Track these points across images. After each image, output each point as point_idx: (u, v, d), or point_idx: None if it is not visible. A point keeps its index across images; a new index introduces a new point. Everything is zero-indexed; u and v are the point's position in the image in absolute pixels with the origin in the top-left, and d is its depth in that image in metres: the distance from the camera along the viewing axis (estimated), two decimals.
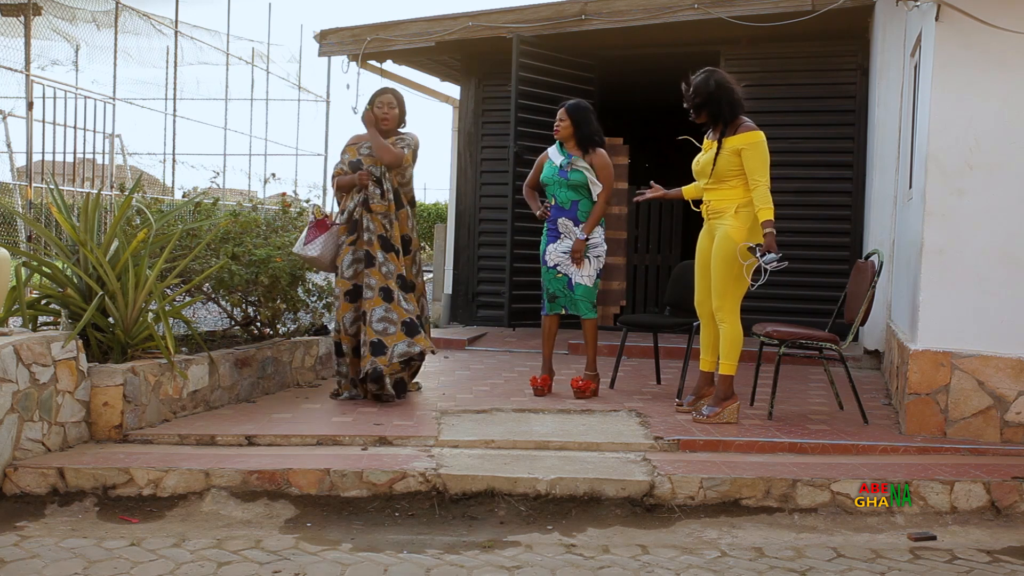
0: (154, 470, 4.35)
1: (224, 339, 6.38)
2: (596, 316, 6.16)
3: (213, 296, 6.30)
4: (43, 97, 11.04)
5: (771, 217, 5.15)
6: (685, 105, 5.41)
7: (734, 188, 5.27)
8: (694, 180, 5.63)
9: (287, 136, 20.08)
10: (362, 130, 6.00)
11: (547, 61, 9.10)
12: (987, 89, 5.05)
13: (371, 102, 5.91)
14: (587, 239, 6.02)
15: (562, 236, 6.11)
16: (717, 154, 5.26)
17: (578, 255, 6.00)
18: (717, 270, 5.29)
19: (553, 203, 6.17)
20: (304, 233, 5.92)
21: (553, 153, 6.20)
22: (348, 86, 16.66)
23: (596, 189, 6.03)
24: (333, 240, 5.88)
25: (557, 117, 6.16)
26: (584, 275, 6.06)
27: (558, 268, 6.11)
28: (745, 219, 5.23)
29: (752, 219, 5.25)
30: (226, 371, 5.66)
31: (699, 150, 5.55)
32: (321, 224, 5.90)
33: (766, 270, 5.11)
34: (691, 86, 5.36)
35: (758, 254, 5.12)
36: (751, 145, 5.20)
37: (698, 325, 6.02)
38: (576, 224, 6.06)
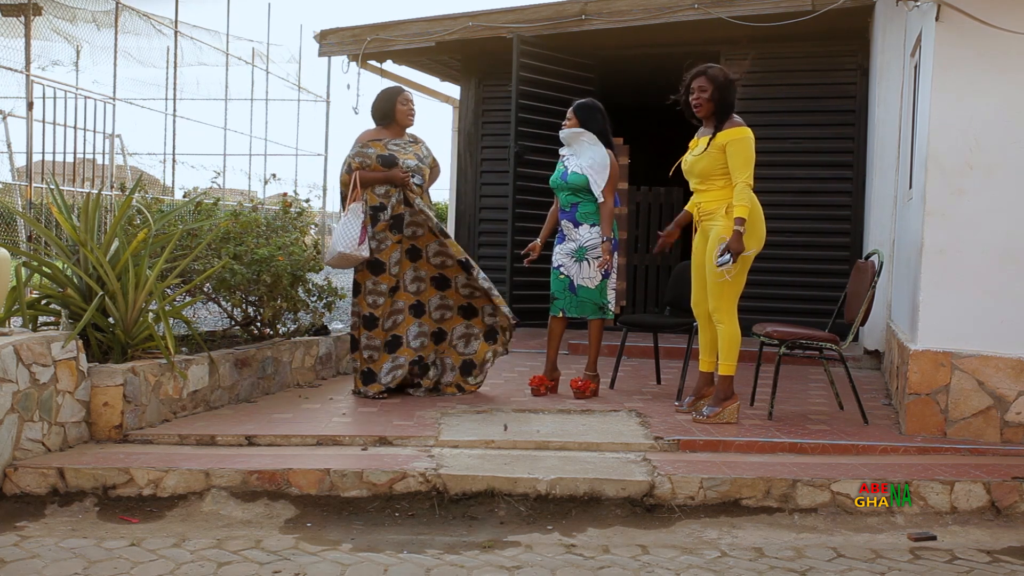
0: (154, 470, 4.35)
1: (224, 339, 6.38)
2: (603, 318, 6.12)
3: (213, 296, 6.30)
4: (43, 97, 11.03)
5: (743, 216, 5.09)
6: (692, 98, 5.31)
7: (723, 188, 5.24)
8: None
9: (287, 136, 20.14)
10: (370, 127, 6.18)
11: (547, 61, 9.11)
12: (987, 89, 5.05)
13: (395, 99, 6.06)
14: (605, 240, 6.00)
15: (567, 238, 6.11)
16: (706, 151, 5.24)
17: (606, 257, 5.98)
18: (711, 272, 5.28)
19: (558, 204, 6.19)
20: (356, 231, 5.75)
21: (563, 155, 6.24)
22: (348, 86, 16.62)
23: (596, 190, 6.03)
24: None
25: (566, 116, 6.19)
26: (586, 277, 6.05)
27: (561, 269, 6.11)
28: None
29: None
30: (226, 371, 5.66)
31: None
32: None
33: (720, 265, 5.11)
34: (706, 77, 5.27)
35: (718, 252, 5.13)
36: (735, 141, 5.16)
37: (697, 325, 6.02)
38: (576, 225, 6.06)
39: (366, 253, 5.80)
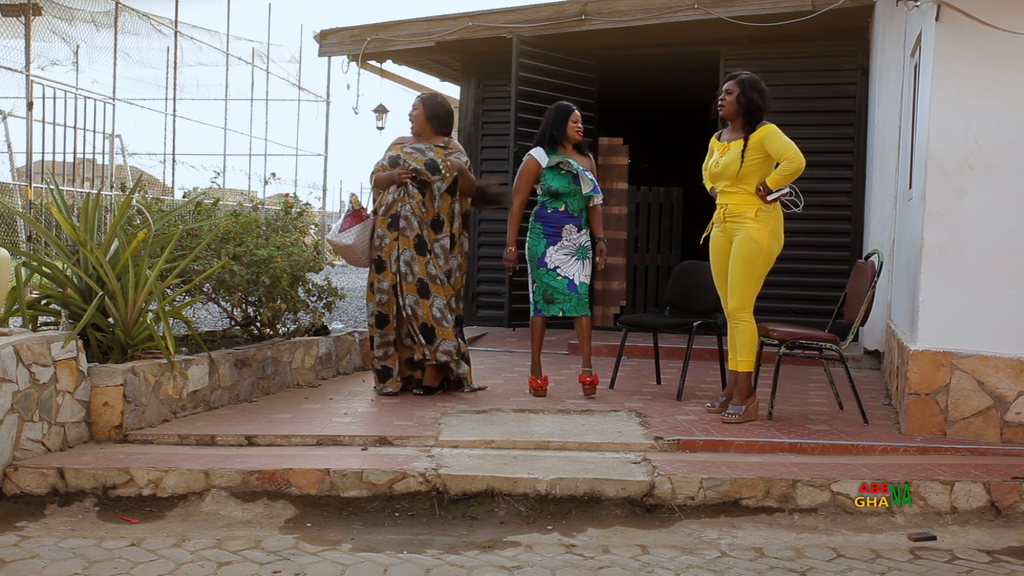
0: (154, 470, 4.35)
1: (224, 339, 6.37)
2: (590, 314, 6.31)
3: (213, 296, 6.30)
4: (43, 97, 11.05)
5: (772, 187, 5.20)
6: (719, 99, 5.38)
7: (753, 193, 5.29)
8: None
9: (287, 136, 20.12)
10: (405, 132, 6.24)
11: (547, 61, 9.10)
12: (987, 89, 5.04)
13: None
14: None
15: (563, 239, 6.12)
16: (744, 152, 5.25)
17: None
18: (737, 271, 5.29)
19: (563, 209, 6.11)
20: (340, 221, 6.03)
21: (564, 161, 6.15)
22: (348, 86, 16.65)
23: (590, 188, 6.11)
24: (367, 232, 6.01)
25: (578, 120, 6.22)
26: (586, 274, 6.16)
27: (558, 270, 6.11)
28: (767, 221, 5.25)
29: (773, 220, 5.28)
30: (226, 371, 5.66)
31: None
32: (357, 214, 6.04)
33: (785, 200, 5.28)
34: (735, 80, 5.36)
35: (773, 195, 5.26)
36: (770, 132, 5.24)
37: (698, 325, 6.04)
38: (579, 230, 6.14)
39: (348, 240, 5.92)
